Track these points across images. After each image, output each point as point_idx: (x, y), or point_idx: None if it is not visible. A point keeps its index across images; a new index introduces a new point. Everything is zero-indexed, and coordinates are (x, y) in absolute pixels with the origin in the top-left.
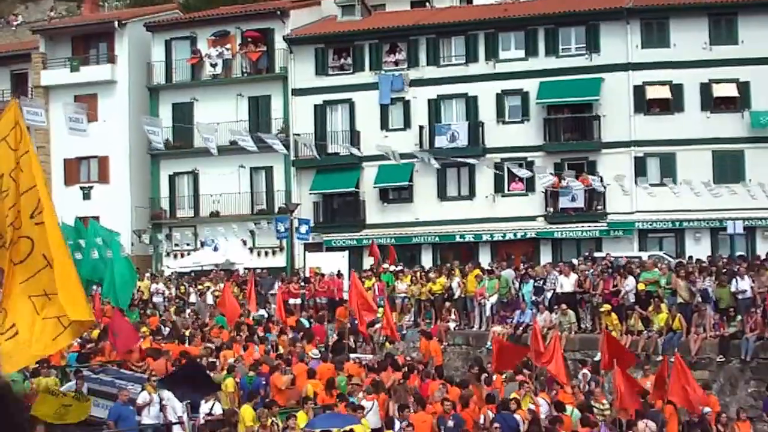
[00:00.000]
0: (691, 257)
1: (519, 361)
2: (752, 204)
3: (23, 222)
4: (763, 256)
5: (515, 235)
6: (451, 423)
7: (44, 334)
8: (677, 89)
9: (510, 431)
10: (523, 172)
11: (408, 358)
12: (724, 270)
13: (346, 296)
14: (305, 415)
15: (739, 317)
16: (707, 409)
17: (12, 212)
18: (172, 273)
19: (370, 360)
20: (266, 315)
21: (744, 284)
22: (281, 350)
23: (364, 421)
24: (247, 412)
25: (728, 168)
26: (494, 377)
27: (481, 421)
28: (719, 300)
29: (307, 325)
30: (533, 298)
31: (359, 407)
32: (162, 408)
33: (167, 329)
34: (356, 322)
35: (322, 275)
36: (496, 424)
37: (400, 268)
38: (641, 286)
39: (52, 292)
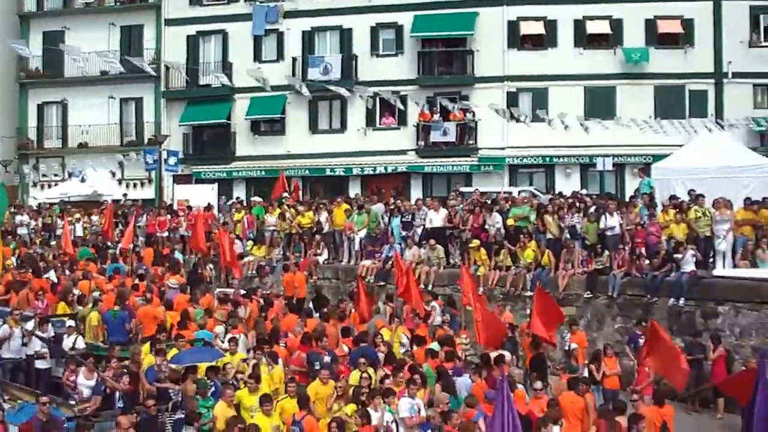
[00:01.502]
0: (560, 193)
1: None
2: (622, 140)
3: None
4: (631, 193)
5: (386, 169)
6: (327, 358)
7: None
8: (551, 25)
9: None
10: (395, 100)
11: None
12: (594, 207)
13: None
14: (175, 350)
15: (606, 253)
16: (574, 345)
17: None
18: (38, 204)
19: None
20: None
21: (613, 221)
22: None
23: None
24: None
25: (600, 104)
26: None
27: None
28: (586, 236)
29: (182, 259)
30: (402, 233)
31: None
32: (24, 342)
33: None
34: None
35: (190, 207)
36: (362, 359)
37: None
38: (510, 222)
39: None
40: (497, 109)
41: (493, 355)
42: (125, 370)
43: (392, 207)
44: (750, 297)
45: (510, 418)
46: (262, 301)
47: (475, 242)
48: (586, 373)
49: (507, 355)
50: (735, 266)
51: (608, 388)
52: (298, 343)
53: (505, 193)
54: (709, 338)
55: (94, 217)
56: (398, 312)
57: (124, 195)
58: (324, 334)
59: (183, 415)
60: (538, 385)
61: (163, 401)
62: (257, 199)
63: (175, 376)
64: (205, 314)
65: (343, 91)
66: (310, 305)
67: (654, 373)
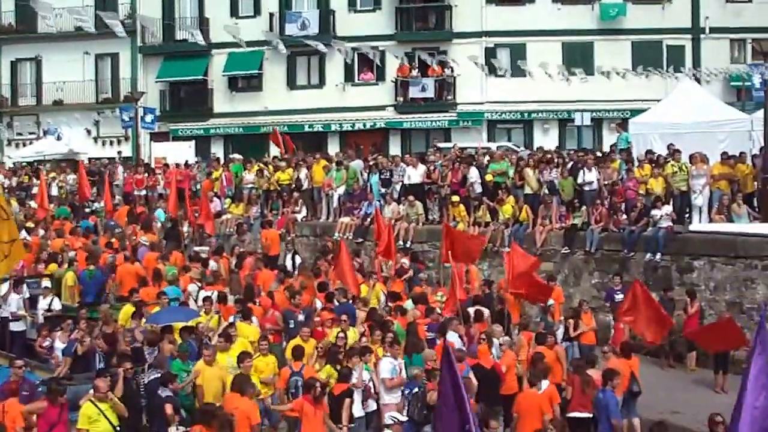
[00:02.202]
0: (540, 148)
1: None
2: (600, 96)
3: None
4: (608, 148)
5: (364, 125)
6: (301, 317)
7: None
8: None
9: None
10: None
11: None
12: (571, 162)
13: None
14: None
15: (583, 208)
16: (551, 302)
17: None
18: (14, 163)
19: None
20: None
21: (591, 176)
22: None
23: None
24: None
25: (577, 60)
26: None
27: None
28: (562, 191)
29: (162, 217)
30: (381, 189)
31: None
32: None
33: None
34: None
35: (167, 165)
36: (344, 316)
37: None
38: (489, 177)
39: None
40: (476, 62)
41: (471, 311)
42: (99, 332)
43: (371, 163)
44: (725, 252)
45: (457, 386)
46: (235, 259)
47: (455, 197)
48: (562, 329)
49: (485, 311)
50: (711, 221)
51: (584, 343)
52: (270, 302)
53: (483, 148)
54: (684, 293)
55: (70, 176)
56: (365, 267)
57: (119, 153)
58: (298, 292)
59: (158, 375)
60: (502, 340)
61: (137, 363)
62: (237, 156)
63: (152, 337)
64: (182, 270)
65: (320, 46)
66: (285, 263)
67: (630, 330)
